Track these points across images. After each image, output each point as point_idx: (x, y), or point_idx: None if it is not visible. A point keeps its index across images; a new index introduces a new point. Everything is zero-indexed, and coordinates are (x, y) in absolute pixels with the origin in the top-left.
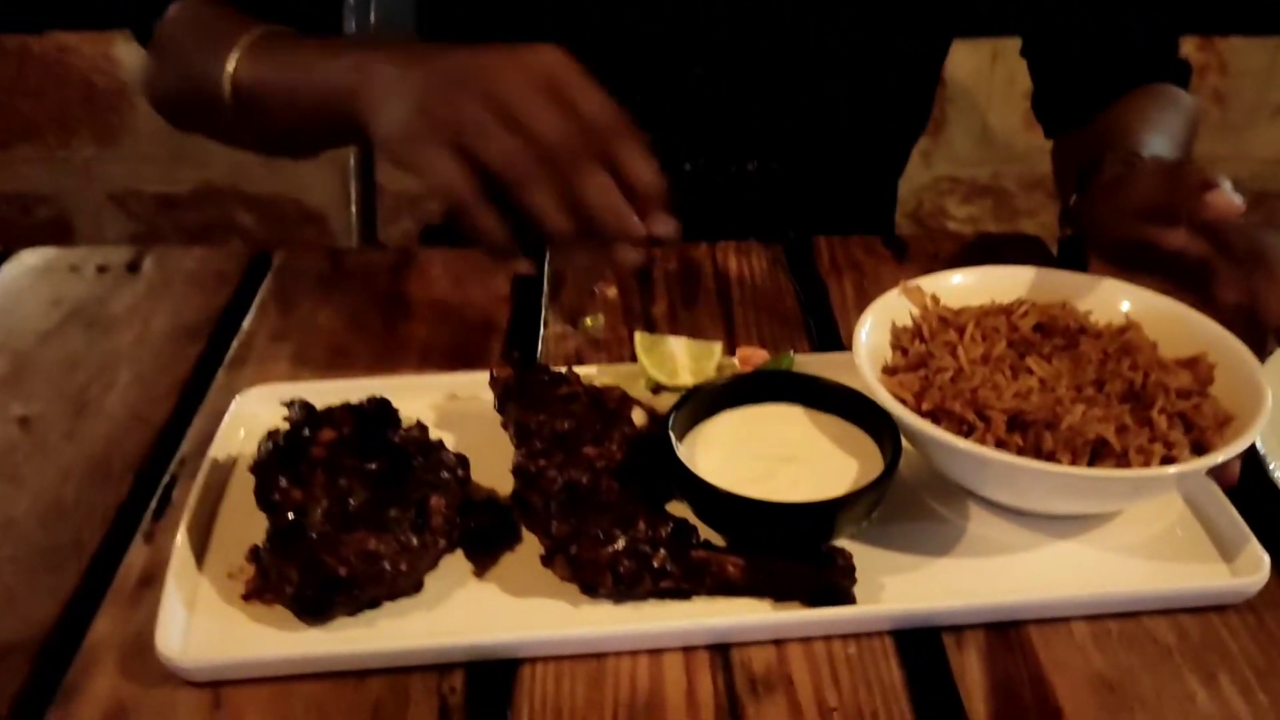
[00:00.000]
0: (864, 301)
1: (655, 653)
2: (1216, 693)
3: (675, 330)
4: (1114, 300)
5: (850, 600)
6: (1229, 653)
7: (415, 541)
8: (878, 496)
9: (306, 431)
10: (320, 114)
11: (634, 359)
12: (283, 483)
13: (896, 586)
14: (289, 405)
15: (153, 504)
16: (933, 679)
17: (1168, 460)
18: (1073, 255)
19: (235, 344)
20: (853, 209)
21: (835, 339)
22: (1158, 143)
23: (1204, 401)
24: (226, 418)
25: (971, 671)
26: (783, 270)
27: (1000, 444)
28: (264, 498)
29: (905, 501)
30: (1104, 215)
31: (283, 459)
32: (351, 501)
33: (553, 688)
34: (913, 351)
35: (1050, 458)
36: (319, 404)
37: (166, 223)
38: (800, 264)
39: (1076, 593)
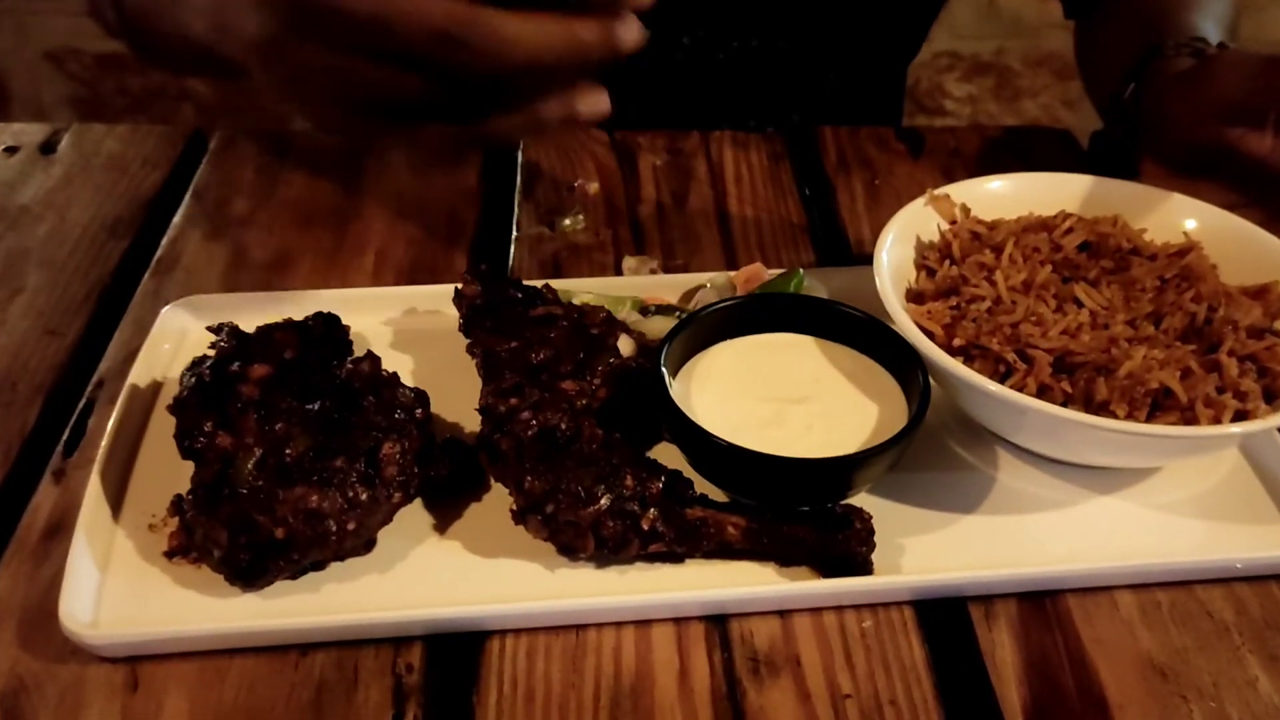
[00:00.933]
0: (875, 204)
1: (643, 624)
2: None
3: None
4: (1170, 215)
5: (868, 570)
6: None
7: (365, 496)
8: (901, 450)
9: (236, 365)
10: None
11: (619, 268)
12: (208, 427)
13: (918, 550)
14: (216, 330)
15: (64, 435)
16: (959, 658)
17: (1240, 415)
18: (1108, 152)
19: (164, 242)
20: (860, 96)
21: (843, 246)
22: (1207, 26)
23: (1277, 343)
24: (151, 334)
25: (1003, 650)
26: (785, 166)
27: (1044, 389)
28: (186, 444)
29: (928, 446)
30: (1175, 112)
31: (208, 398)
32: (289, 451)
33: (524, 665)
34: (941, 274)
35: (1104, 408)
36: (259, 319)
37: (110, 86)
38: (804, 159)
39: (1120, 562)
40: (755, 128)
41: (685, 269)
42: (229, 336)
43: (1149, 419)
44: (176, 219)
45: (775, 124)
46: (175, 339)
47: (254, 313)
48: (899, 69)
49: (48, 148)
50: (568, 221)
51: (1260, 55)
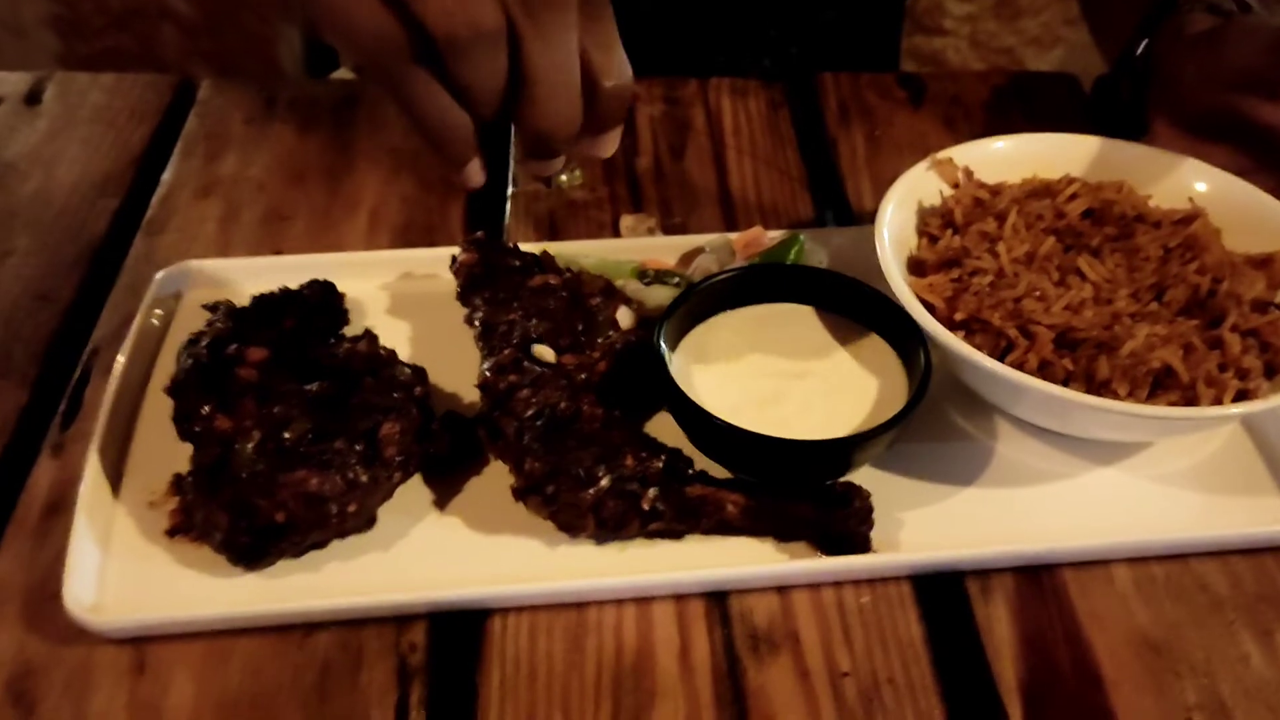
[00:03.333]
0: (875, 155)
1: (644, 602)
2: (1273, 654)
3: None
4: (1177, 179)
5: (867, 547)
6: None
7: (365, 477)
8: (900, 430)
9: (234, 347)
10: None
11: (616, 229)
12: (206, 410)
13: (916, 524)
14: (212, 309)
15: (61, 407)
16: (956, 635)
17: (1242, 394)
18: (1112, 102)
19: (154, 201)
20: (857, 24)
21: (842, 199)
22: None
23: None
24: (144, 302)
25: (1000, 626)
26: (784, 114)
27: (1045, 366)
28: (184, 426)
29: (928, 416)
30: (1187, 76)
31: (205, 380)
32: (288, 433)
33: (526, 644)
34: (943, 243)
35: (1105, 387)
36: (254, 285)
37: (89, 5)
38: (803, 108)
39: (1117, 538)
40: (752, 62)
41: (683, 227)
42: (225, 316)
43: (1150, 396)
44: (166, 176)
45: (772, 58)
46: (168, 305)
47: (249, 278)
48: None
49: (32, 98)
50: (564, 178)
51: (1277, 27)
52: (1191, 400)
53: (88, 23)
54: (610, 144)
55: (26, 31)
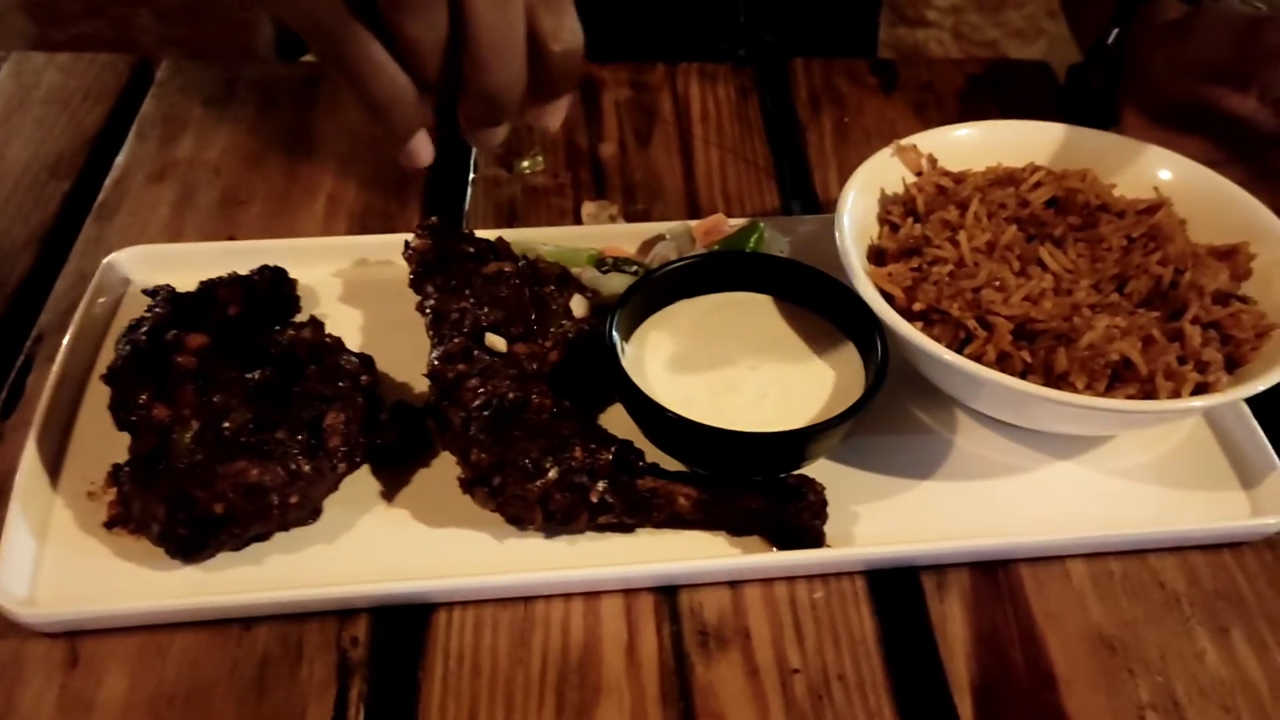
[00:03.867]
0: (843, 143)
1: (592, 596)
2: (1228, 652)
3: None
4: (1144, 168)
5: (820, 542)
6: (1243, 601)
7: (308, 468)
8: (855, 423)
9: (173, 334)
10: None
11: (578, 213)
12: (143, 398)
13: (872, 517)
14: (152, 294)
15: (1, 395)
16: (909, 631)
17: (1201, 388)
18: (1084, 91)
19: (107, 184)
20: (834, 14)
21: (808, 188)
22: None
23: (1242, 309)
24: (90, 288)
25: (954, 623)
26: (753, 101)
27: (1004, 358)
28: (122, 415)
29: (886, 409)
30: (1156, 66)
31: (144, 367)
32: (228, 423)
33: (471, 638)
34: (904, 231)
35: (1063, 380)
36: (205, 271)
37: None
38: (772, 94)
39: (1074, 534)
40: (727, 51)
41: (646, 215)
42: (165, 302)
43: (1109, 389)
44: (120, 159)
45: (748, 47)
46: (116, 292)
47: (199, 264)
48: None
49: None
50: (526, 163)
51: (1246, 16)
52: (1150, 393)
53: (62, 8)
54: (556, 114)
55: (1, 17)
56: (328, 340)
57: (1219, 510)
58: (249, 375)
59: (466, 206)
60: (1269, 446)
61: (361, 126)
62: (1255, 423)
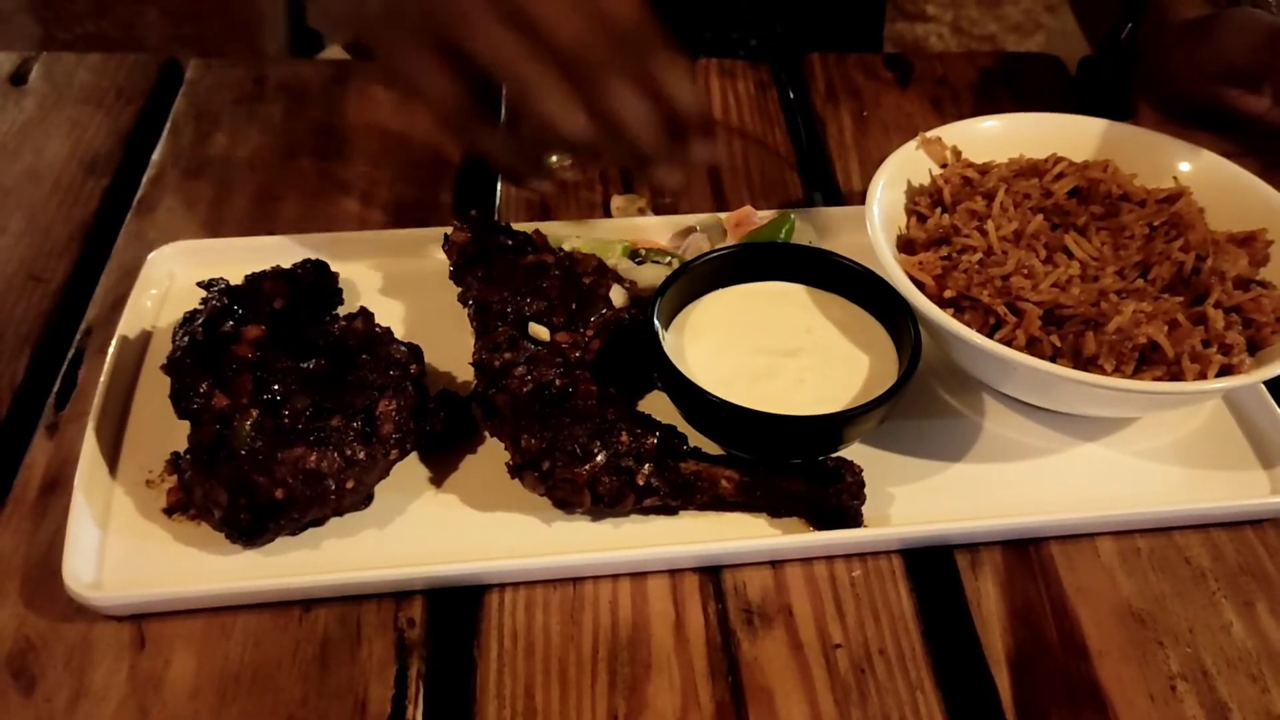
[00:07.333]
0: (863, 135)
1: (639, 576)
2: (1254, 624)
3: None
4: (1162, 159)
5: (858, 522)
6: (1267, 575)
7: (363, 454)
8: (891, 406)
9: (230, 325)
10: None
11: (607, 209)
12: (203, 388)
13: (907, 498)
14: (207, 286)
15: (55, 387)
16: (946, 606)
17: (1225, 369)
18: (1097, 83)
19: (144, 181)
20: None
21: (831, 179)
22: None
23: (1262, 293)
24: (137, 282)
25: (988, 599)
26: (772, 95)
27: (1033, 342)
28: (182, 404)
29: (918, 394)
30: (1174, 65)
31: (202, 358)
32: (286, 412)
33: (524, 618)
34: (933, 221)
35: (1092, 363)
36: (247, 265)
37: None
38: (791, 87)
39: (1102, 512)
40: (739, 40)
41: (674, 208)
42: (220, 294)
43: (1136, 372)
44: (156, 155)
45: (759, 36)
46: (162, 286)
47: (241, 259)
48: None
49: (18, 78)
50: (554, 158)
51: (1266, 21)
52: (1176, 375)
53: (68, 7)
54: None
55: (6, 16)
56: (378, 330)
57: (1240, 489)
58: (304, 365)
59: (497, 201)
60: None
61: (392, 122)
62: (1274, 404)
